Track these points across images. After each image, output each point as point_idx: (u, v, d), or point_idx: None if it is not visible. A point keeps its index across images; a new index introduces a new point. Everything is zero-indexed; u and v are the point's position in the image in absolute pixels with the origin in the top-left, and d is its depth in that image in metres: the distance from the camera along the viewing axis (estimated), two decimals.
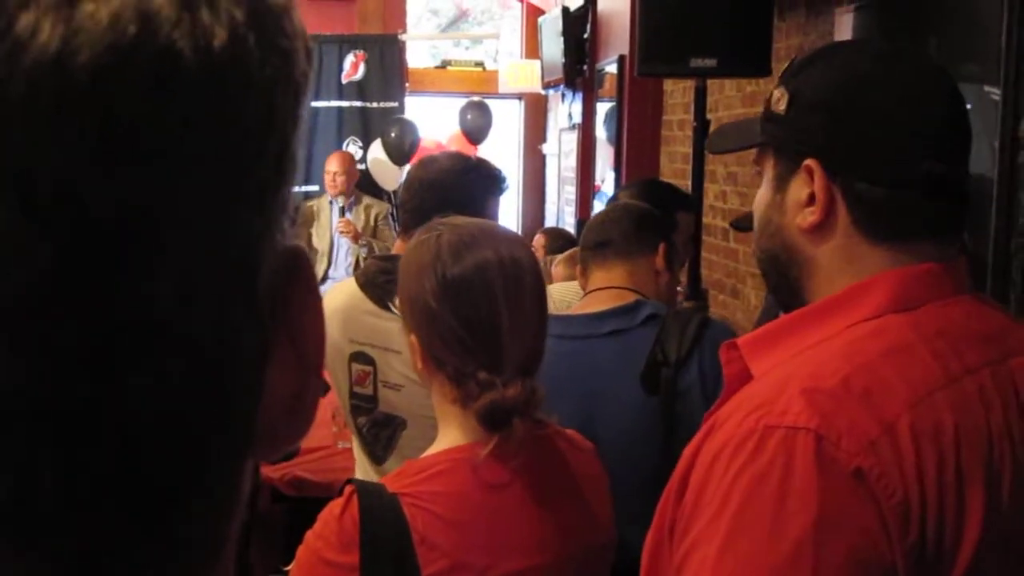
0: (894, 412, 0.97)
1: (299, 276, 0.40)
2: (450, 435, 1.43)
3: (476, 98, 7.37)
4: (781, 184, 1.17)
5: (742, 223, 3.07)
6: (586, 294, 2.22)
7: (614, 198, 2.97)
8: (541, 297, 1.47)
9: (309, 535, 1.37)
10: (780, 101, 1.16)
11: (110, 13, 0.31)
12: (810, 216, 1.13)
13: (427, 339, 1.41)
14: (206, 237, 0.34)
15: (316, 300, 0.41)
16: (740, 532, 0.94)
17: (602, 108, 6.27)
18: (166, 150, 0.32)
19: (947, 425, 0.97)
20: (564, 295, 2.79)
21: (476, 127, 7.17)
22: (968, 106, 2.29)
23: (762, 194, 1.21)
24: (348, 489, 1.37)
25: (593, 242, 2.23)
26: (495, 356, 1.37)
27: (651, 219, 2.28)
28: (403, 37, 7.54)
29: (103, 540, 0.34)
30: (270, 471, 3.11)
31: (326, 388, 2.79)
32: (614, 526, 1.53)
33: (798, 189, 1.14)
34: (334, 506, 1.37)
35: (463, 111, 7.22)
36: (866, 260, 1.11)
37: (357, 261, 5.91)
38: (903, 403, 0.97)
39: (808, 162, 1.12)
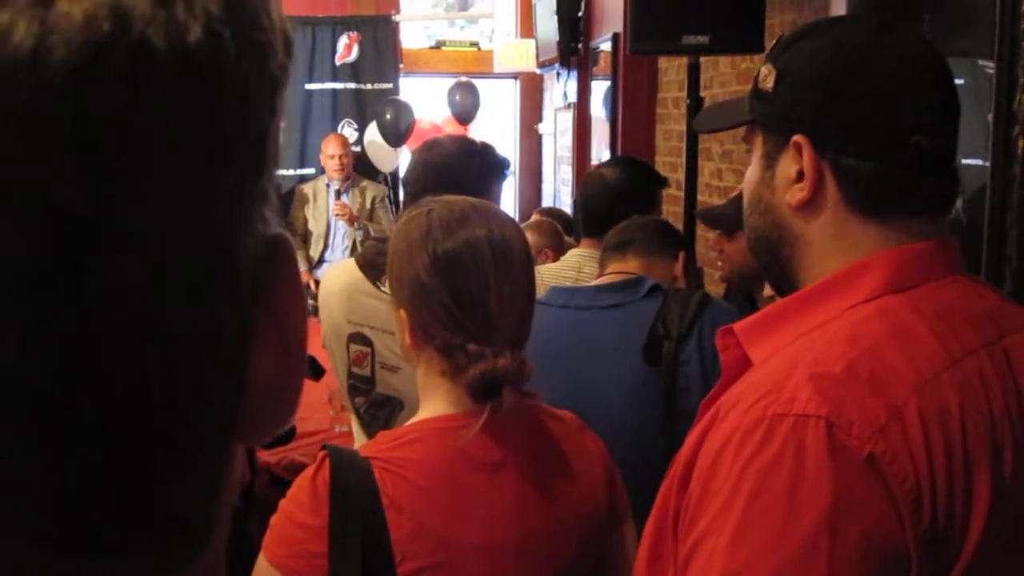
0: (902, 396, 0.96)
1: (281, 262, 0.40)
2: (431, 407, 1.44)
3: (463, 78, 7.34)
4: (770, 161, 1.16)
5: (708, 216, 3.02)
6: (598, 277, 2.27)
7: (597, 172, 2.97)
8: (529, 274, 1.48)
9: (282, 500, 1.38)
10: (768, 78, 1.16)
11: (84, 11, 0.32)
12: (799, 193, 1.12)
13: (417, 313, 1.42)
14: (181, 228, 0.34)
15: (297, 284, 0.42)
16: (752, 522, 0.93)
17: (597, 87, 6.26)
18: (140, 145, 0.33)
19: (953, 407, 0.96)
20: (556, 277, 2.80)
21: (464, 108, 7.13)
22: (961, 81, 2.28)
23: (752, 172, 1.20)
24: (321, 454, 1.38)
25: (615, 243, 2.29)
26: (484, 329, 1.39)
27: (674, 231, 2.38)
28: (396, 18, 7.50)
29: (85, 521, 0.34)
30: (267, 456, 3.12)
31: (321, 372, 2.80)
32: (610, 501, 1.53)
33: (787, 166, 1.13)
34: (308, 470, 1.38)
35: (451, 92, 7.18)
36: (857, 237, 1.11)
37: (354, 244, 5.90)
38: (909, 387, 0.97)
39: (796, 138, 1.11)
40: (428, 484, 1.35)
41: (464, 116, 7.12)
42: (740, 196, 2.90)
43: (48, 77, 0.31)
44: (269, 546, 1.34)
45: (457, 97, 7.15)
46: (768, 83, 1.16)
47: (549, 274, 2.71)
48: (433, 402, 1.44)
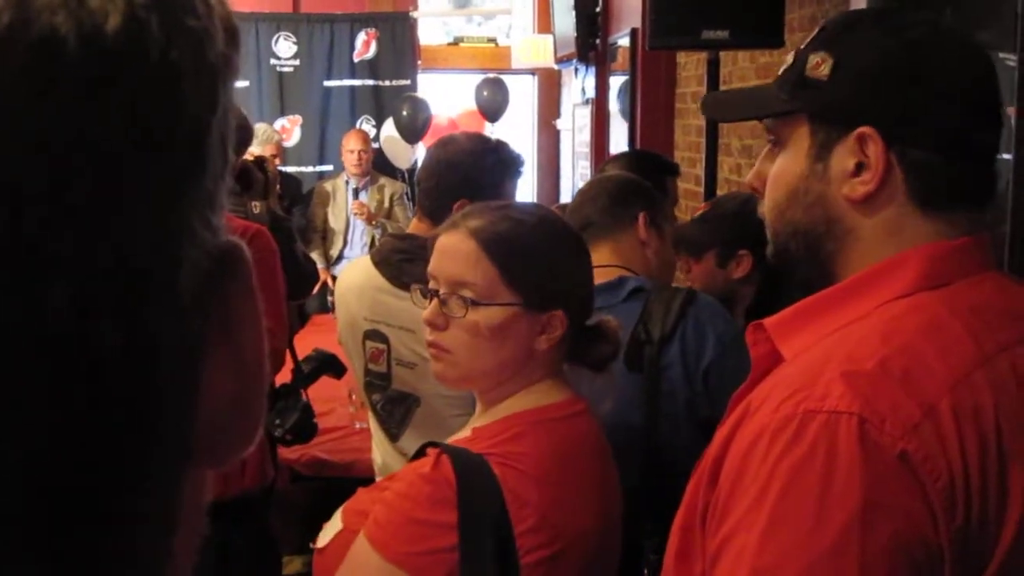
0: (935, 394, 0.95)
1: (235, 274, 0.37)
2: (513, 404, 1.47)
3: (492, 75, 7.34)
4: (822, 153, 1.12)
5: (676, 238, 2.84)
6: None
7: (601, 171, 2.97)
8: None
9: (391, 497, 1.36)
10: (821, 66, 1.12)
11: None
12: (860, 186, 1.09)
13: (573, 305, 1.50)
14: (103, 238, 0.31)
15: (253, 299, 0.38)
16: (782, 519, 0.93)
17: (615, 82, 6.24)
18: (51, 151, 0.29)
19: (987, 405, 0.96)
20: None
21: (492, 104, 7.14)
22: None
23: (787, 165, 1.17)
24: (433, 451, 1.37)
25: (577, 225, 2.20)
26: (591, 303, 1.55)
27: (627, 189, 2.23)
28: (414, 14, 7.51)
29: (21, 565, 0.31)
30: (288, 452, 3.13)
31: (342, 371, 2.80)
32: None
33: (843, 158, 1.10)
34: (419, 467, 1.37)
35: (479, 88, 7.19)
36: (911, 230, 1.09)
37: (372, 241, 5.91)
38: (943, 384, 0.96)
39: (863, 130, 1.08)
40: (543, 475, 1.37)
41: (492, 113, 7.13)
42: (707, 217, 2.81)
43: None
44: (388, 544, 1.32)
45: (485, 93, 7.16)
46: (822, 71, 1.12)
47: None
48: (516, 399, 1.47)
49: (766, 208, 1.21)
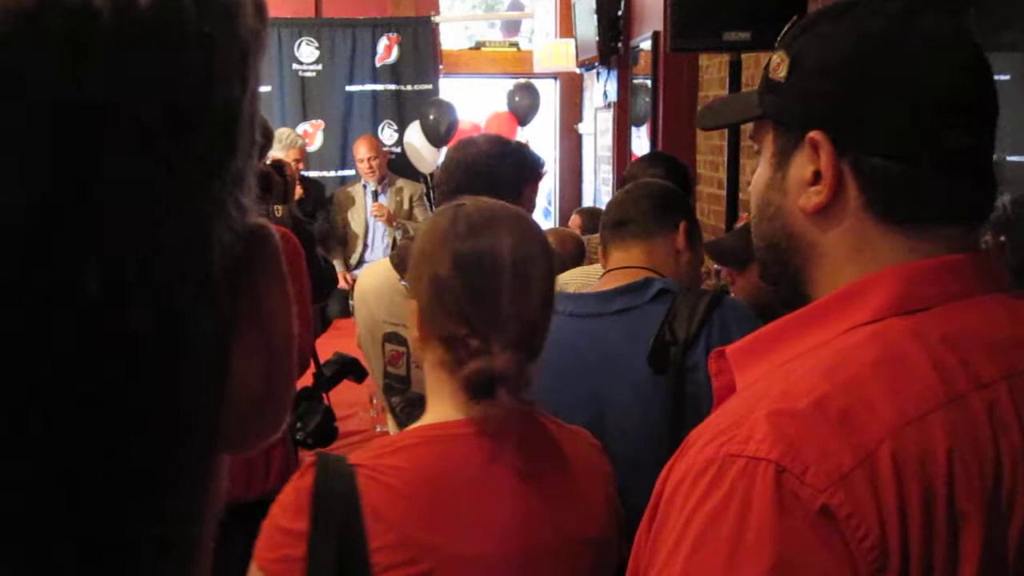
0: (874, 439, 0.83)
1: (264, 256, 0.37)
2: (434, 411, 1.44)
3: (523, 79, 7.39)
4: (782, 161, 1.02)
5: (716, 250, 2.80)
6: (604, 274, 2.20)
7: (632, 169, 2.96)
8: (548, 287, 1.46)
9: (272, 504, 1.40)
10: (780, 66, 1.02)
11: None
12: (815, 197, 0.98)
13: (428, 304, 1.42)
14: (138, 218, 0.30)
15: (283, 282, 0.38)
16: (693, 574, 0.84)
17: (637, 85, 6.23)
18: (84, 122, 0.29)
19: (939, 453, 0.83)
20: (585, 279, 2.76)
21: (524, 108, 7.21)
22: (1007, 76, 2.23)
23: (760, 174, 1.06)
24: (309, 460, 1.39)
25: (613, 221, 2.21)
26: (490, 328, 1.37)
27: (672, 197, 2.26)
28: (436, 19, 7.52)
29: (53, 556, 0.30)
30: (309, 456, 3.13)
31: (364, 375, 2.81)
32: (613, 524, 1.50)
33: (801, 166, 0.99)
34: (295, 475, 1.40)
35: (511, 93, 7.26)
36: (877, 246, 0.97)
37: (394, 243, 5.94)
38: (886, 428, 0.84)
39: (813, 134, 0.97)
40: (413, 492, 1.34)
41: (524, 116, 7.20)
42: (747, 227, 2.80)
43: None
44: (259, 551, 1.36)
45: (517, 98, 7.23)
46: (781, 72, 1.01)
47: (575, 281, 2.69)
48: (436, 405, 1.44)
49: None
